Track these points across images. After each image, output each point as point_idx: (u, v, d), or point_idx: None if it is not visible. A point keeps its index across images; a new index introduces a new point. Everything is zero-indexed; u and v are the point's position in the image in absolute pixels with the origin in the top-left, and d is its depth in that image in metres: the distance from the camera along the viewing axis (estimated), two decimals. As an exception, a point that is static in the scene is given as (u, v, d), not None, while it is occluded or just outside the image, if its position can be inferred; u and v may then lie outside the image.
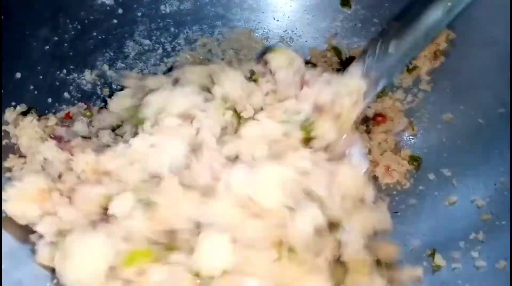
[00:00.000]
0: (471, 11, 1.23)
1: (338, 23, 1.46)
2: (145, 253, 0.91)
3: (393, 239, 1.09)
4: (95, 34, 1.31)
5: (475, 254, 0.99)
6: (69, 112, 1.18)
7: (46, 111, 1.19)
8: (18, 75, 1.11)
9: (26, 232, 0.96)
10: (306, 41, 1.50)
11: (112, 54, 1.34)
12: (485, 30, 1.20)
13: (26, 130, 1.05)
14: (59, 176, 1.00)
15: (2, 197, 0.94)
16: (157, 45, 1.41)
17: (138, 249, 0.91)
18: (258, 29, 1.50)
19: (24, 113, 1.11)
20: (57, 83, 1.23)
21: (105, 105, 1.25)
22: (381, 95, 1.33)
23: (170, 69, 1.39)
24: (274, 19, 1.49)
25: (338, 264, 0.97)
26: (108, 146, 1.06)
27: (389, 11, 1.39)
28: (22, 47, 1.14)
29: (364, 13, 1.43)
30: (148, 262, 0.90)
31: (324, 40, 1.47)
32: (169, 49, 1.42)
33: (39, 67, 1.18)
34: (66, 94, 1.25)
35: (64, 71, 1.24)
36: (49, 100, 1.21)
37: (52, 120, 1.08)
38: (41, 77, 1.19)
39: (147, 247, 0.92)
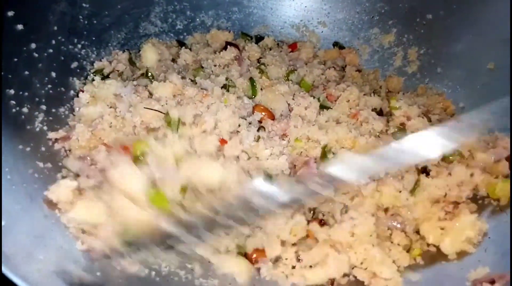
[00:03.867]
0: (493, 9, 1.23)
1: (356, 15, 1.45)
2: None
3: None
4: (111, 12, 1.29)
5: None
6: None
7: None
8: (33, 45, 1.10)
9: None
10: (322, 32, 1.49)
11: (126, 33, 1.33)
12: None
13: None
14: None
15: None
16: (171, 28, 1.40)
17: None
18: (274, 17, 1.49)
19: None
20: (69, 57, 1.20)
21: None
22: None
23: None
24: (291, 7, 1.49)
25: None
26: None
27: (407, 5, 1.38)
28: (39, 18, 1.12)
29: (382, 5, 1.42)
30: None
31: (340, 31, 1.47)
32: (183, 32, 1.42)
33: (54, 40, 1.16)
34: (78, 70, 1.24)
35: (79, 46, 1.22)
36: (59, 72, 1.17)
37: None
38: (55, 49, 1.17)
39: None
